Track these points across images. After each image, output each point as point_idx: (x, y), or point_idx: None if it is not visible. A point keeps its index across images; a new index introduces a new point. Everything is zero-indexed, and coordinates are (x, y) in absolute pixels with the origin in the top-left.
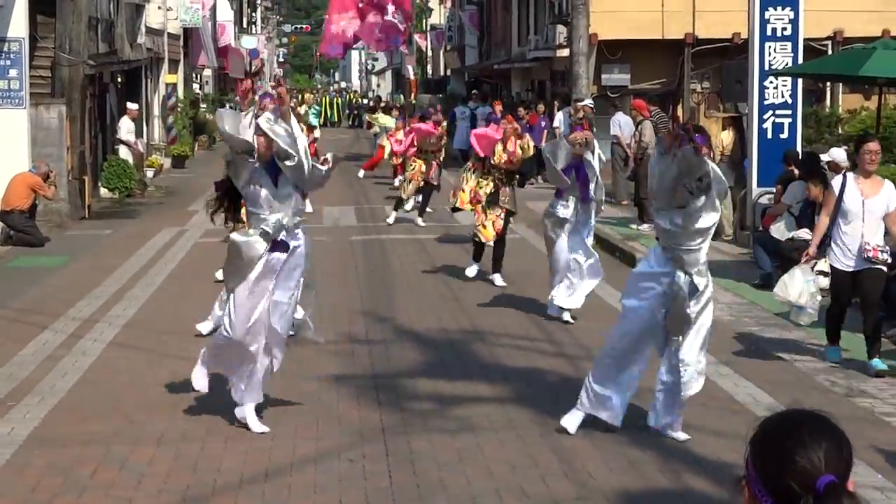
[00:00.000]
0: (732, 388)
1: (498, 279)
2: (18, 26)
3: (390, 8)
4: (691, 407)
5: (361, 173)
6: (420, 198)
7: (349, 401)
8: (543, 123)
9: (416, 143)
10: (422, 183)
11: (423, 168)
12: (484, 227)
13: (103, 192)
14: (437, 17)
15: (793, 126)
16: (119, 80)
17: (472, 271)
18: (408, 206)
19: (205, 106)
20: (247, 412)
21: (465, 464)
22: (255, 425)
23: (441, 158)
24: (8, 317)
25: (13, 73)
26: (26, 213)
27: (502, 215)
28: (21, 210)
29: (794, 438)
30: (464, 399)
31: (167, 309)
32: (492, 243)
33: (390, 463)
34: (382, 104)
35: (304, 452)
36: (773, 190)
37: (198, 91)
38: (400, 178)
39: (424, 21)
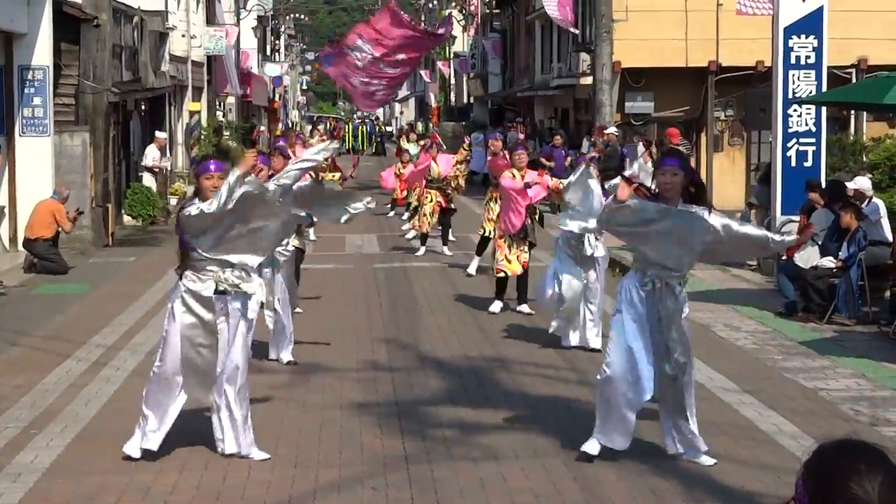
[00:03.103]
0: (756, 416)
1: (525, 308)
2: (42, 54)
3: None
4: (714, 436)
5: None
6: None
7: (372, 428)
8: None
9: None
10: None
11: (439, 198)
12: (508, 261)
13: (127, 219)
14: (461, 44)
15: (817, 154)
16: (143, 107)
17: (496, 307)
18: (410, 235)
19: (228, 133)
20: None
21: (487, 492)
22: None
23: (457, 184)
24: (31, 344)
25: (37, 100)
26: (50, 240)
27: (527, 249)
28: (45, 238)
29: (851, 465)
30: (487, 427)
31: None
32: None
33: (413, 491)
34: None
35: (328, 480)
36: (797, 218)
37: (221, 118)
38: (399, 208)
39: (448, 48)
